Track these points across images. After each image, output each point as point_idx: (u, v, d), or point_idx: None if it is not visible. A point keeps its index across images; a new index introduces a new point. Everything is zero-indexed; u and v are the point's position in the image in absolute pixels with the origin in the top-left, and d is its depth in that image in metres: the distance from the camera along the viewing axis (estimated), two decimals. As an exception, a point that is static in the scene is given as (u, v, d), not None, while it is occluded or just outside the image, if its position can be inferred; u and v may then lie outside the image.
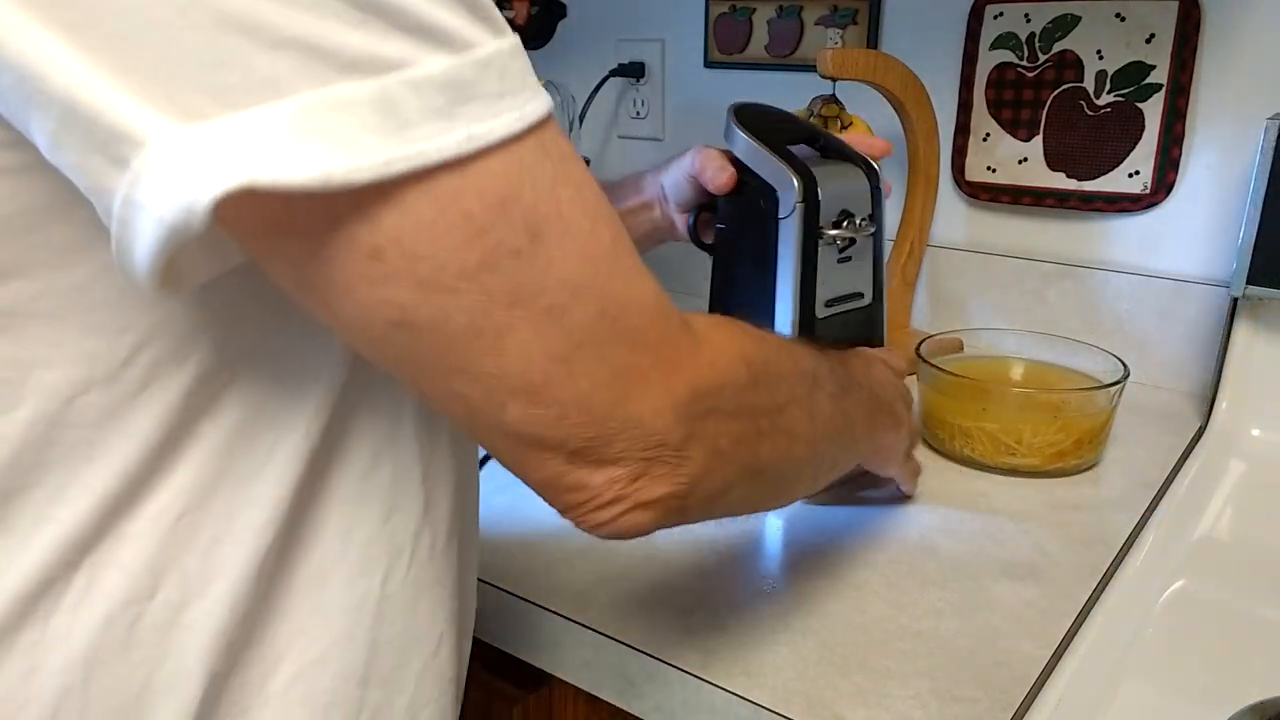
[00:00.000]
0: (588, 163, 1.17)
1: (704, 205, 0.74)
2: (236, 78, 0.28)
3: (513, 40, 0.33)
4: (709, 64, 1.19)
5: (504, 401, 0.34)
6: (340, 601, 0.42)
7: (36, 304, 0.34)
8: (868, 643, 0.55)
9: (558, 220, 0.33)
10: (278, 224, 0.31)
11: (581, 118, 1.25)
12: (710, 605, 0.58)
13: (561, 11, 1.30)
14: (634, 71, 1.25)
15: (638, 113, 1.27)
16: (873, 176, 0.70)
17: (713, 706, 0.52)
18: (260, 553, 0.40)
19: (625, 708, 0.56)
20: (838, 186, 0.68)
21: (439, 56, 0.30)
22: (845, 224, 0.68)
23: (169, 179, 0.28)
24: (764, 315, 0.69)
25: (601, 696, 0.57)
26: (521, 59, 0.33)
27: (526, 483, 0.38)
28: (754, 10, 1.13)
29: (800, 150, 0.70)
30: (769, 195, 0.67)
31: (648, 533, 0.40)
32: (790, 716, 0.49)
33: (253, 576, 0.40)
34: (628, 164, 1.31)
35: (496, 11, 0.33)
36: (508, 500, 0.70)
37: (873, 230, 0.70)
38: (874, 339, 0.74)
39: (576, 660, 0.58)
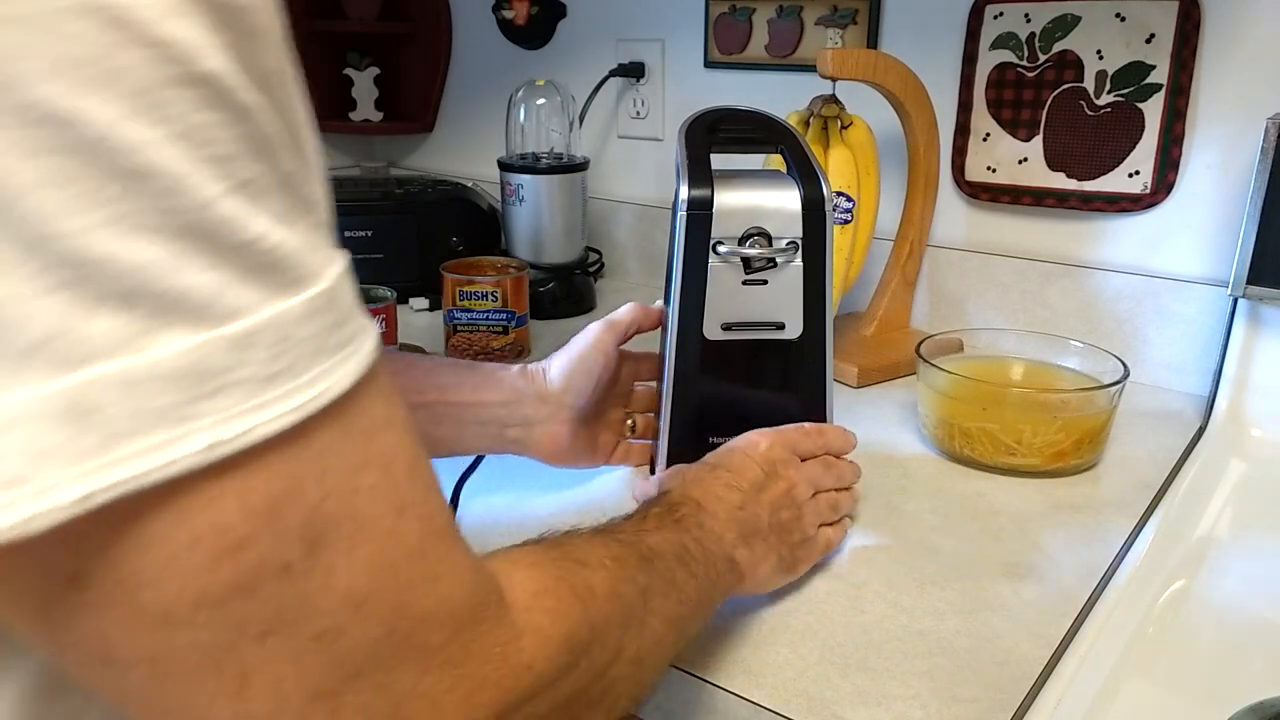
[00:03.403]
0: (585, 166, 1.17)
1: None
2: None
3: (310, 295, 0.25)
4: (709, 64, 1.19)
5: None
6: None
7: None
8: (868, 643, 0.55)
9: (350, 520, 0.26)
10: None
11: (581, 118, 1.25)
12: (710, 605, 0.58)
13: (561, 11, 1.30)
14: (634, 71, 1.25)
15: (638, 113, 1.28)
16: (814, 199, 0.63)
17: (713, 706, 0.52)
18: None
19: (625, 708, 0.56)
20: (751, 200, 0.63)
21: (173, 335, 0.22)
22: (752, 242, 0.63)
23: None
24: (665, 326, 0.67)
25: (601, 696, 0.57)
26: (321, 318, 0.25)
27: None
28: (754, 10, 1.13)
29: (749, 160, 0.65)
30: (675, 198, 0.64)
31: None
32: (790, 716, 0.49)
33: None
34: (628, 164, 1.31)
35: (300, 248, 0.25)
36: (506, 499, 0.70)
37: (795, 255, 0.64)
38: (800, 378, 0.67)
39: (576, 660, 0.58)
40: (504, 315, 0.98)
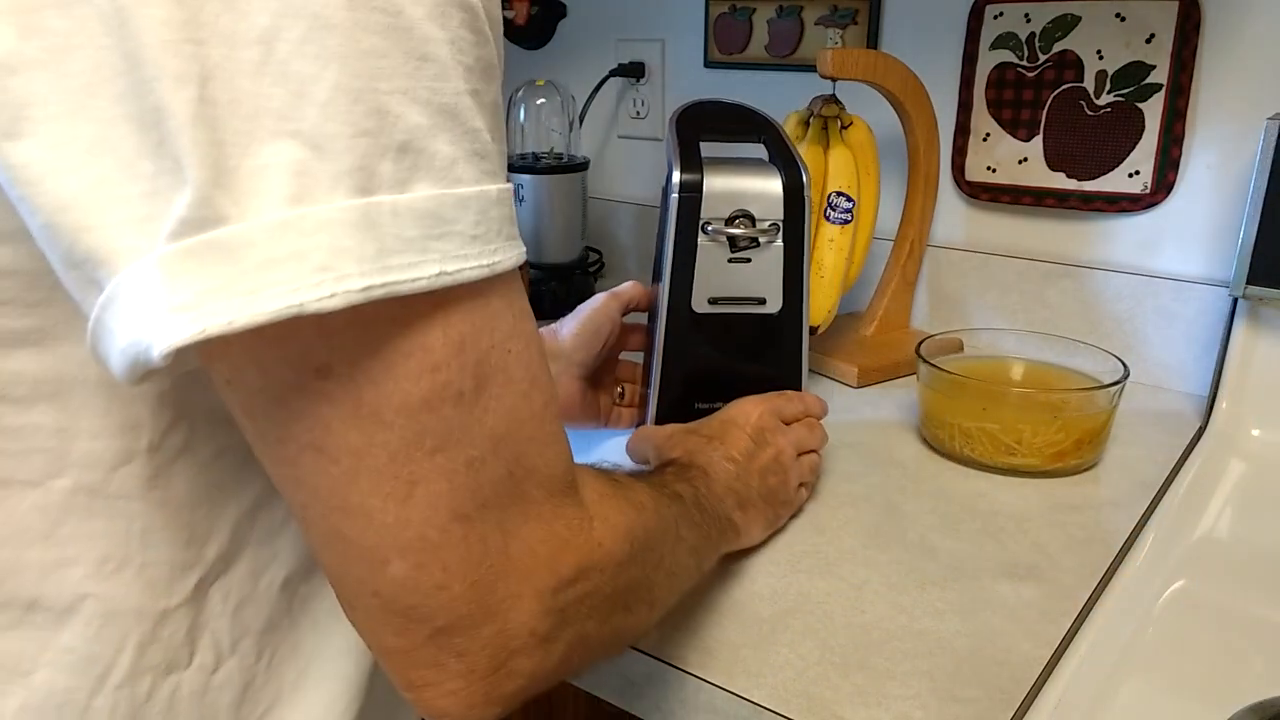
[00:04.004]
0: (585, 166, 1.18)
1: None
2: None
3: (501, 188, 0.32)
4: (709, 64, 1.19)
5: (389, 557, 0.31)
6: (347, 639, 0.43)
7: (85, 370, 0.33)
8: (868, 643, 0.55)
9: (503, 373, 0.32)
10: (229, 347, 0.29)
11: (581, 118, 1.25)
12: (710, 605, 0.58)
13: (561, 11, 1.30)
14: (634, 71, 1.25)
15: (638, 113, 1.28)
16: (794, 185, 0.68)
17: (713, 706, 0.52)
18: (282, 601, 0.40)
19: (625, 708, 0.56)
20: (738, 185, 0.68)
21: (423, 185, 0.29)
22: (738, 222, 0.68)
23: (134, 312, 0.27)
24: (655, 300, 0.71)
25: (601, 696, 0.57)
26: (504, 208, 0.32)
27: (371, 647, 0.35)
28: (754, 10, 1.13)
29: (732, 148, 0.71)
30: (666, 182, 0.68)
31: None
32: (790, 716, 0.49)
33: (274, 627, 0.40)
34: (628, 164, 1.31)
35: (497, 154, 0.32)
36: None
37: (776, 236, 0.68)
38: (780, 350, 0.71)
39: (576, 660, 0.58)
40: (504, 315, 0.98)
